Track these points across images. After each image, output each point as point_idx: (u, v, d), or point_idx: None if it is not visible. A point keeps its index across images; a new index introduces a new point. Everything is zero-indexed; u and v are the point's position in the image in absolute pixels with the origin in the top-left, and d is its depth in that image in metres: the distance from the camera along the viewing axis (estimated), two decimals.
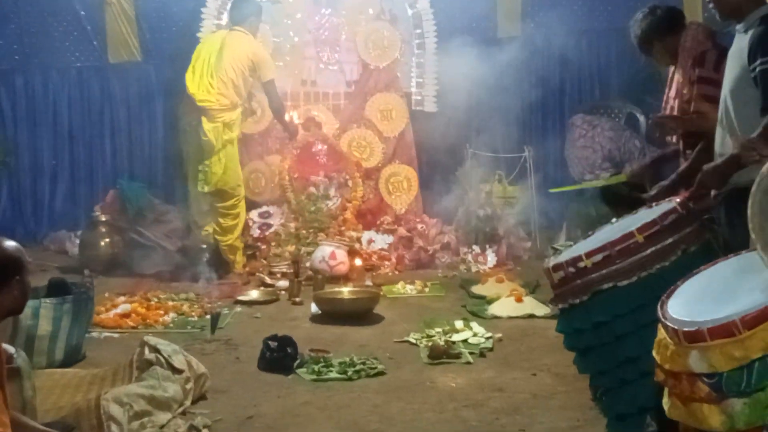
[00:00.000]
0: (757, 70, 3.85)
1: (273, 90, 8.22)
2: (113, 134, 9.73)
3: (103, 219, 8.47)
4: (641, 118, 9.13)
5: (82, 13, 9.48)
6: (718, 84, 4.27)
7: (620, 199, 5.51)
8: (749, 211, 2.97)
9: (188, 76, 7.94)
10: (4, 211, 9.67)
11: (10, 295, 3.44)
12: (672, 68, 5.32)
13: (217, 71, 7.89)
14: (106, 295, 7.20)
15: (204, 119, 7.84)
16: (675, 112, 5.16)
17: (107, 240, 8.37)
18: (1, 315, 3.49)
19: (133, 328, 6.44)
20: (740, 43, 4.04)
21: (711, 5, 4.25)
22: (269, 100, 8.29)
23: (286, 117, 8.69)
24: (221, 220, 8.08)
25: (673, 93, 5.24)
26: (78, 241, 8.65)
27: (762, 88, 3.83)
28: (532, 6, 9.71)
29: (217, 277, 7.83)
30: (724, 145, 4.10)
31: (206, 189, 7.96)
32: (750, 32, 3.97)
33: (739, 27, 4.12)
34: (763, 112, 3.81)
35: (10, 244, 3.46)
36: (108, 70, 9.66)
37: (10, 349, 4.42)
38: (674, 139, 5.17)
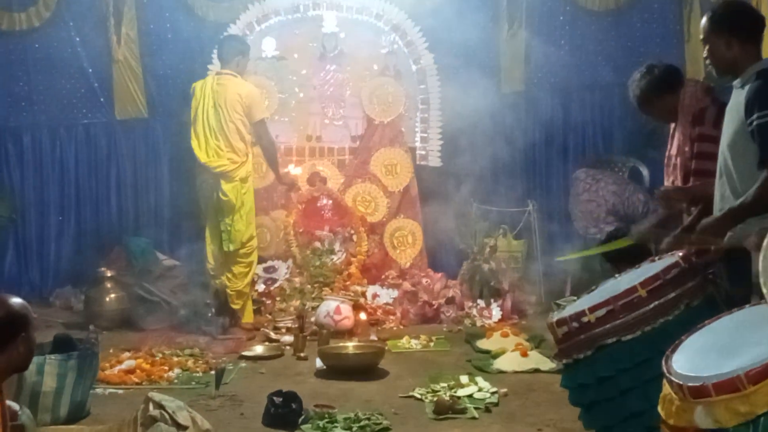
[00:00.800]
0: (754, 124, 3.88)
1: (264, 130, 8.11)
2: (119, 190, 9.76)
3: (109, 275, 8.47)
4: (645, 172, 9.17)
5: (90, 70, 9.58)
6: (718, 141, 4.30)
7: (621, 254, 5.51)
8: (759, 266, 2.98)
9: (194, 144, 7.91)
10: (10, 267, 9.67)
11: (16, 351, 3.45)
12: (672, 125, 5.36)
13: (219, 130, 7.84)
14: (111, 351, 7.19)
15: (222, 181, 7.82)
16: (677, 170, 5.19)
17: (112, 296, 8.36)
18: (6, 371, 3.50)
19: (137, 384, 6.42)
20: (737, 98, 4.08)
21: (707, 62, 4.30)
22: (259, 141, 8.15)
23: (283, 168, 8.64)
24: (234, 268, 8.02)
25: (674, 150, 5.28)
26: (83, 297, 8.62)
27: (759, 142, 3.87)
28: (535, 61, 9.77)
29: (222, 332, 7.82)
30: (723, 199, 4.12)
31: (232, 248, 7.91)
32: (747, 87, 4.01)
33: (736, 82, 4.17)
34: (760, 166, 3.84)
35: (16, 300, 3.49)
36: (115, 126, 9.72)
37: (15, 405, 4.42)
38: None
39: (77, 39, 9.53)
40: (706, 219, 4.04)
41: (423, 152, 9.53)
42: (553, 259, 8.41)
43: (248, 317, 8.16)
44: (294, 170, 9.08)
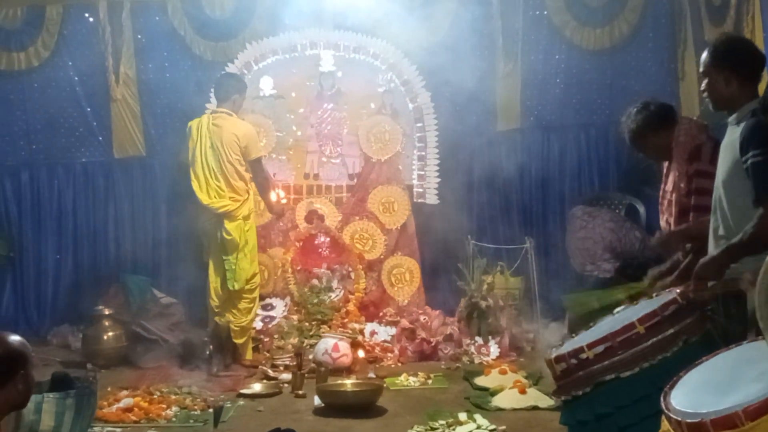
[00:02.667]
0: (749, 162, 3.90)
1: (259, 167, 8.09)
2: (117, 228, 9.78)
3: (106, 313, 8.46)
4: (641, 210, 9.19)
5: (88, 109, 9.66)
6: (714, 177, 4.33)
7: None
8: (756, 302, 2.99)
9: (195, 185, 7.89)
10: (7, 305, 9.68)
11: (15, 389, 3.45)
12: (666, 163, 5.39)
13: (218, 171, 7.85)
14: (109, 389, 7.18)
15: (225, 221, 7.82)
16: (672, 206, 5.22)
17: (110, 334, 8.35)
18: (5, 409, 3.50)
19: (135, 422, 6.41)
20: (732, 135, 4.11)
21: (705, 96, 4.34)
22: (255, 179, 8.09)
23: (273, 196, 8.58)
24: (238, 304, 8.01)
25: (669, 186, 5.30)
26: (81, 336, 8.61)
27: (753, 180, 3.89)
28: (531, 100, 9.84)
29: (222, 369, 7.82)
30: (716, 235, 4.15)
31: (237, 286, 7.90)
32: (742, 125, 4.04)
33: (731, 119, 4.20)
34: (755, 204, 3.86)
35: (15, 338, 3.49)
36: (113, 164, 9.77)
37: None
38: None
39: (76, 78, 9.61)
40: (703, 260, 4.05)
41: (420, 190, 9.56)
42: (551, 296, 8.44)
43: (248, 354, 8.15)
44: (281, 196, 8.95)
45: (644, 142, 5.41)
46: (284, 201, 9.07)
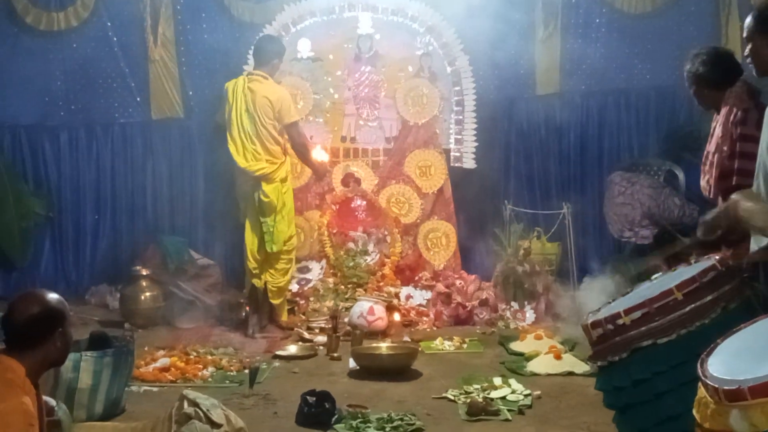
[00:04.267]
0: None
1: (296, 131, 8.02)
2: (154, 189, 9.80)
3: (144, 273, 8.52)
4: (680, 176, 9.11)
5: (127, 70, 9.65)
6: (759, 141, 4.27)
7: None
8: None
9: (232, 149, 7.86)
10: (47, 264, 9.74)
11: (53, 346, 3.50)
12: (714, 123, 5.34)
13: (254, 135, 7.82)
14: (146, 348, 7.25)
15: (263, 183, 7.81)
16: (713, 168, 5.16)
17: (147, 294, 8.40)
18: (44, 366, 3.54)
19: (172, 382, 6.47)
20: None
21: (749, 62, 4.26)
22: (291, 143, 8.07)
23: (316, 154, 8.53)
24: (276, 264, 8.03)
25: (712, 147, 5.25)
26: (119, 295, 8.68)
27: None
28: (570, 64, 9.76)
29: (259, 330, 7.86)
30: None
31: (275, 248, 7.90)
32: None
33: None
34: None
35: (53, 296, 3.53)
36: (151, 126, 9.78)
37: (51, 401, 4.48)
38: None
39: (114, 39, 9.60)
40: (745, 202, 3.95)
41: (457, 154, 9.52)
42: (587, 262, 8.38)
43: (284, 316, 8.18)
44: (320, 154, 8.75)
45: (699, 89, 5.38)
46: (326, 158, 8.86)
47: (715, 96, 5.29)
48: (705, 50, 5.44)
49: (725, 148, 5.07)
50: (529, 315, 8.28)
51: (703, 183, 5.40)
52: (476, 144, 9.47)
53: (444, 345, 7.49)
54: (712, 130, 5.39)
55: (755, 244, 3.98)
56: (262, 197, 7.82)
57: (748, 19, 4.22)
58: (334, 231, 9.12)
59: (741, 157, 4.92)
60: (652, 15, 9.70)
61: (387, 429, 5.32)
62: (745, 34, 4.27)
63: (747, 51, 4.25)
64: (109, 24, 9.59)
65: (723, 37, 9.40)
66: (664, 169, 9.28)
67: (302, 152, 8.19)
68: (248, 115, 7.84)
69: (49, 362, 3.56)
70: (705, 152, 5.41)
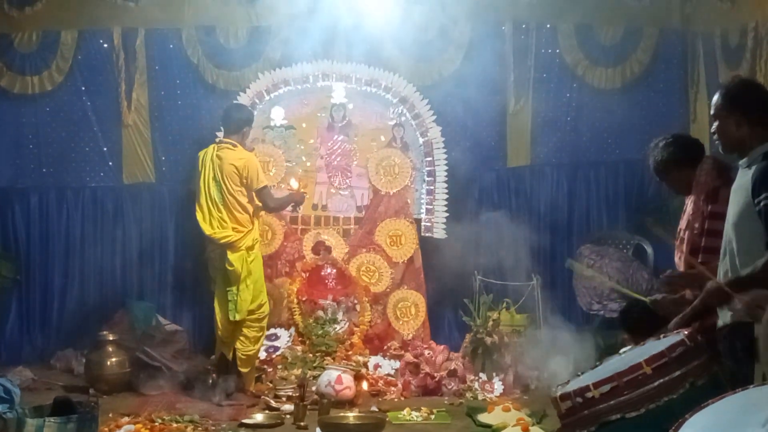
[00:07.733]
0: (762, 204, 3.90)
1: (267, 195, 8.05)
2: (124, 254, 9.73)
3: (111, 338, 8.42)
4: (649, 250, 9.19)
5: (100, 134, 9.65)
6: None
7: (639, 324, 5.51)
8: (760, 345, 2.97)
9: (199, 216, 7.90)
10: (12, 328, 9.60)
11: None
12: (687, 200, 5.40)
13: (221, 203, 7.85)
14: (111, 415, 7.16)
15: (228, 251, 7.81)
16: (685, 245, 5.21)
17: (113, 359, 8.31)
18: None
19: None
20: (743, 177, 4.11)
21: (716, 138, 4.33)
22: (265, 208, 8.12)
23: (292, 183, 8.62)
24: (246, 331, 7.99)
25: (683, 224, 5.30)
26: (84, 360, 8.58)
27: (766, 222, 3.88)
28: (541, 137, 9.88)
29: (224, 397, 7.78)
30: (726, 277, 4.13)
31: (237, 317, 7.86)
32: (753, 168, 4.04)
33: (742, 162, 4.20)
34: None
35: None
36: (122, 190, 9.75)
37: None
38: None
39: (88, 103, 9.61)
40: (712, 283, 4.05)
41: (428, 224, 9.57)
42: (557, 334, 8.38)
43: (252, 384, 8.11)
44: (293, 184, 8.70)
45: (667, 175, 5.43)
46: (296, 186, 8.65)
47: (686, 175, 5.33)
48: (662, 137, 5.49)
49: (696, 225, 5.11)
50: (498, 386, 8.26)
51: (676, 259, 5.44)
52: (447, 214, 9.52)
53: (412, 415, 7.44)
54: (685, 206, 5.44)
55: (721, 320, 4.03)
56: (227, 266, 7.82)
57: (716, 97, 4.31)
58: (304, 299, 9.10)
59: (708, 234, 4.96)
60: (622, 91, 9.85)
61: None
62: (712, 112, 4.35)
63: (714, 128, 4.32)
64: (83, 88, 9.60)
65: (691, 113, 9.57)
66: (633, 243, 9.36)
67: (277, 209, 8.23)
68: (215, 183, 7.86)
69: None
70: (678, 229, 5.45)
